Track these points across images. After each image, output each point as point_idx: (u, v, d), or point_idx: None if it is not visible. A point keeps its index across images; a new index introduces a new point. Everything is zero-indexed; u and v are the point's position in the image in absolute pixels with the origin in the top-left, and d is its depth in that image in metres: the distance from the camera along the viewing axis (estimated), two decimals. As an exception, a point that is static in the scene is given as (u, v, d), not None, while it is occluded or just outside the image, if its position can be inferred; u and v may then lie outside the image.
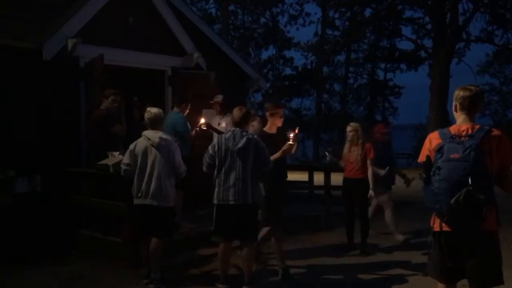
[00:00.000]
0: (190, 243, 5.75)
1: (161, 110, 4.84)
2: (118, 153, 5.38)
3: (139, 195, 4.57)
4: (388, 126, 6.81)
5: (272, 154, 4.67)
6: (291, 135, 4.72)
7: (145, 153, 4.57)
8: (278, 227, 4.95)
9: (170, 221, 4.73)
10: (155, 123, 4.69)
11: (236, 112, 4.58)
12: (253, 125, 5.33)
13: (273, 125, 5.01)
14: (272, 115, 4.98)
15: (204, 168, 4.59)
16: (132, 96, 7.54)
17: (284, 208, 5.07)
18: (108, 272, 5.01)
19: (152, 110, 4.73)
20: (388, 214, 6.39)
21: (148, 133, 4.65)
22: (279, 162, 4.83)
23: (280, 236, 4.96)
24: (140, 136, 4.72)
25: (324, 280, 4.95)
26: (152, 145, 4.57)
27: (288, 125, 5.42)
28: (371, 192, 5.83)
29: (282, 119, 5.03)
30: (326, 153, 6.86)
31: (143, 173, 4.56)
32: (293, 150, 4.78)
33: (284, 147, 4.71)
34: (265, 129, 5.04)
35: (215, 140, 4.57)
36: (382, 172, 6.14)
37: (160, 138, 4.59)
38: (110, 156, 5.40)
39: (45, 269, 5.10)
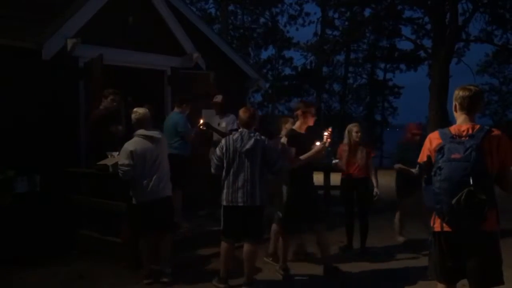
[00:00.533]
0: (190, 243, 5.75)
1: (147, 110, 4.92)
2: (117, 153, 5.37)
3: (148, 190, 4.62)
4: (420, 127, 6.48)
5: (301, 154, 4.62)
6: (325, 133, 4.62)
7: (151, 151, 4.65)
8: (290, 229, 4.90)
9: (173, 211, 4.97)
10: (144, 123, 4.78)
11: (243, 113, 4.57)
12: (286, 127, 5.27)
13: (304, 124, 4.89)
14: (304, 113, 4.86)
15: (212, 170, 4.60)
16: (130, 96, 7.54)
17: (315, 210, 4.89)
18: (108, 272, 5.01)
19: (140, 110, 4.83)
20: (398, 216, 6.37)
21: (144, 132, 4.71)
22: (307, 163, 4.75)
23: (289, 238, 4.94)
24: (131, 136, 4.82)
25: (324, 280, 4.95)
26: (156, 142, 4.69)
27: (318, 124, 5.36)
28: (377, 190, 5.82)
29: (314, 118, 4.92)
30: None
31: (152, 170, 4.63)
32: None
33: (318, 147, 4.62)
34: (295, 128, 4.93)
35: (223, 141, 4.56)
36: (414, 171, 5.93)
37: (160, 133, 4.82)
38: (109, 156, 5.40)
39: (45, 269, 5.10)
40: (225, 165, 4.45)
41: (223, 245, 4.52)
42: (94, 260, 5.33)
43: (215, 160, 4.53)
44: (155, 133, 4.74)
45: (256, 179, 4.39)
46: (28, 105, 5.98)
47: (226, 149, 4.45)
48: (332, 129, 4.83)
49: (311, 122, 4.92)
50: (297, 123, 4.93)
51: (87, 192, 5.93)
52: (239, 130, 4.56)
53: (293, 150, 4.68)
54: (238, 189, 4.37)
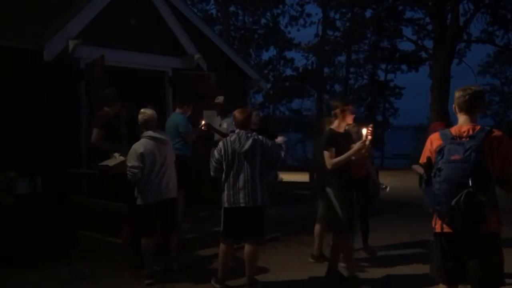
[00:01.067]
0: (191, 244, 5.75)
1: (154, 111, 4.96)
2: (119, 154, 5.39)
3: (156, 192, 4.70)
4: (444, 125, 6.31)
5: (341, 154, 4.51)
6: (364, 131, 4.46)
7: (159, 153, 4.73)
8: (344, 233, 4.68)
9: (177, 212, 5.09)
10: (151, 124, 4.83)
11: (238, 114, 4.56)
12: None
13: (342, 123, 4.73)
14: (343, 111, 4.69)
15: (212, 173, 4.60)
16: (132, 97, 7.55)
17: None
18: (109, 272, 5.02)
19: (147, 112, 4.88)
20: None
21: (153, 134, 4.77)
22: (348, 163, 4.61)
23: (347, 243, 4.73)
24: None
25: (326, 283, 4.94)
26: (164, 144, 4.78)
27: (359, 122, 5.21)
28: (384, 185, 5.79)
29: (353, 116, 4.78)
30: None
31: (160, 171, 4.72)
32: (365, 150, 4.51)
33: (357, 145, 4.47)
34: (333, 127, 4.76)
35: (220, 144, 4.55)
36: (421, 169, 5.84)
37: (166, 135, 4.93)
38: (111, 157, 5.41)
39: (45, 269, 5.11)
40: (224, 167, 4.45)
41: (222, 247, 4.52)
42: (95, 261, 5.33)
43: (213, 163, 4.52)
44: (162, 135, 4.83)
45: (257, 179, 4.39)
46: (29, 106, 6.00)
47: (224, 151, 4.44)
48: (373, 126, 4.62)
49: (350, 120, 4.77)
50: (336, 122, 4.75)
51: (88, 193, 5.95)
52: (236, 131, 4.55)
53: (332, 150, 4.55)
54: (240, 190, 4.37)
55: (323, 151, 4.59)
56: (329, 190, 4.67)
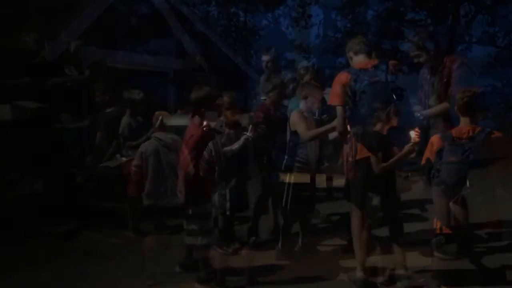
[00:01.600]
0: (191, 244, 5.73)
1: (168, 114, 5.09)
2: (119, 155, 5.42)
3: (162, 192, 4.74)
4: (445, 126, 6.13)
5: (385, 157, 4.32)
6: (412, 134, 4.27)
7: (164, 154, 4.79)
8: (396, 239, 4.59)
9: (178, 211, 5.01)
10: (164, 125, 4.90)
11: (229, 114, 4.64)
12: None
13: (386, 125, 4.51)
14: (387, 113, 4.49)
15: (201, 174, 4.55)
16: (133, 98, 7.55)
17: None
18: (109, 272, 5.02)
19: (163, 113, 5.01)
20: None
21: (159, 135, 4.85)
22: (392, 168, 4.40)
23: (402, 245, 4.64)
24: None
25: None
26: (169, 145, 4.79)
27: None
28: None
29: (398, 118, 4.59)
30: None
31: (165, 173, 4.76)
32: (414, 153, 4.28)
33: (406, 149, 4.24)
34: (377, 129, 4.54)
35: (210, 145, 4.52)
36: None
37: (172, 138, 4.92)
38: (113, 158, 5.44)
39: (46, 269, 5.11)
40: (216, 168, 4.42)
41: (219, 251, 4.51)
42: (95, 261, 5.34)
43: (203, 164, 4.44)
44: (168, 137, 4.86)
45: (249, 179, 4.39)
46: (30, 106, 6.01)
47: (215, 152, 4.42)
48: (419, 129, 4.40)
49: (394, 122, 4.56)
50: (378, 125, 4.54)
51: (89, 193, 5.96)
52: (226, 132, 4.55)
53: (379, 155, 4.34)
54: (232, 191, 4.36)
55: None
56: (371, 195, 4.45)
